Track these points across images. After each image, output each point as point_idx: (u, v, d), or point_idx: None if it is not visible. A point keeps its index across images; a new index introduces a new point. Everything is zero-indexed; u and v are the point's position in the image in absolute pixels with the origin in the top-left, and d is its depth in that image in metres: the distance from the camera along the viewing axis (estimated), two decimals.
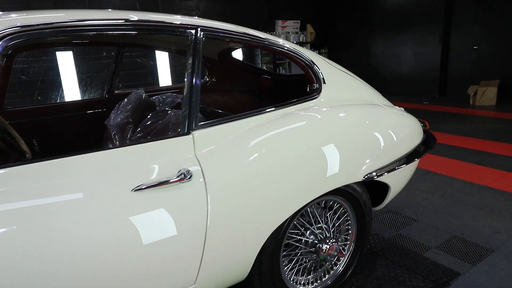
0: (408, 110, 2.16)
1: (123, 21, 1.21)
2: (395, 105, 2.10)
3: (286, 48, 1.65)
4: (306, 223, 1.65)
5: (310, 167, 1.44)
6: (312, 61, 1.69)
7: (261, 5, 9.10)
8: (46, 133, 2.35)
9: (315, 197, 1.48)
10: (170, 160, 1.19)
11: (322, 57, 1.83)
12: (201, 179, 1.20)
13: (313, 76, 1.70)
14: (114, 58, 2.44)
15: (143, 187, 1.10)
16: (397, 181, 1.81)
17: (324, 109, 1.62)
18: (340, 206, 1.76)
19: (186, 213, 1.17)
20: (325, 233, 1.68)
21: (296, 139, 1.44)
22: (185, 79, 1.30)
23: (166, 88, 2.70)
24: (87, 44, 2.32)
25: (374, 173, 1.63)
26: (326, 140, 1.51)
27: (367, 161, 1.61)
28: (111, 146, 1.13)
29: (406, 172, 1.85)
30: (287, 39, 9.45)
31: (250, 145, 1.35)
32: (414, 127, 1.94)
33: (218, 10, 8.41)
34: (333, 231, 1.74)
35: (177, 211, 1.15)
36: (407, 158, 1.79)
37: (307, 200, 1.46)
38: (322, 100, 1.68)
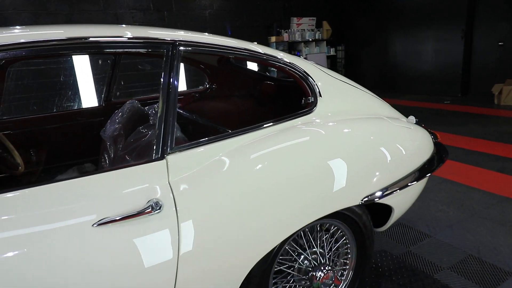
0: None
1: (81, 40, 1.12)
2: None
3: (282, 62, 1.53)
4: (298, 248, 1.53)
5: (300, 192, 1.31)
6: (305, 73, 1.55)
7: (276, 2, 8.93)
8: (44, 142, 2.31)
9: (306, 224, 1.36)
10: (139, 189, 1.09)
11: (320, 67, 1.69)
12: (173, 209, 1.10)
13: (307, 89, 1.57)
14: (110, 66, 2.37)
15: (105, 222, 1.00)
16: (401, 202, 1.66)
17: (317, 126, 1.49)
18: (338, 229, 1.62)
19: (154, 247, 1.07)
20: (319, 258, 1.56)
21: (284, 162, 1.32)
22: (160, 97, 1.20)
23: None
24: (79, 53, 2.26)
25: (374, 195, 1.49)
26: (319, 161, 1.37)
27: (366, 182, 1.47)
28: (75, 175, 1.04)
29: (412, 191, 1.70)
30: (302, 36, 9.25)
31: (231, 169, 1.24)
32: (423, 142, 1.78)
33: (232, 8, 8.31)
34: (329, 256, 1.61)
35: (143, 245, 1.05)
36: (413, 177, 1.63)
37: (297, 228, 1.33)
38: (317, 115, 1.54)
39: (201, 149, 1.24)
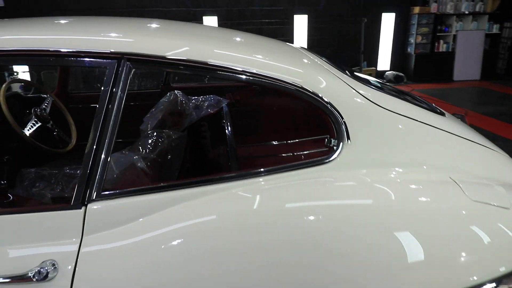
0: None
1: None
2: None
3: (289, 86, 1.04)
4: None
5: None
6: (328, 103, 1.04)
7: None
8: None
9: None
10: (37, 245, 0.89)
11: (362, 84, 1.13)
12: (68, 279, 0.87)
13: (332, 126, 1.08)
14: None
15: None
16: None
17: (324, 189, 1.01)
18: None
19: None
20: None
21: (235, 236, 0.93)
22: (93, 125, 0.94)
23: (219, 86, 2.34)
24: None
25: None
26: (285, 248, 0.92)
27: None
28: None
29: None
30: (456, 8, 7.57)
31: (170, 232, 0.93)
32: None
33: None
34: None
35: None
36: None
37: None
38: (333, 169, 1.04)
39: (142, 198, 0.96)
